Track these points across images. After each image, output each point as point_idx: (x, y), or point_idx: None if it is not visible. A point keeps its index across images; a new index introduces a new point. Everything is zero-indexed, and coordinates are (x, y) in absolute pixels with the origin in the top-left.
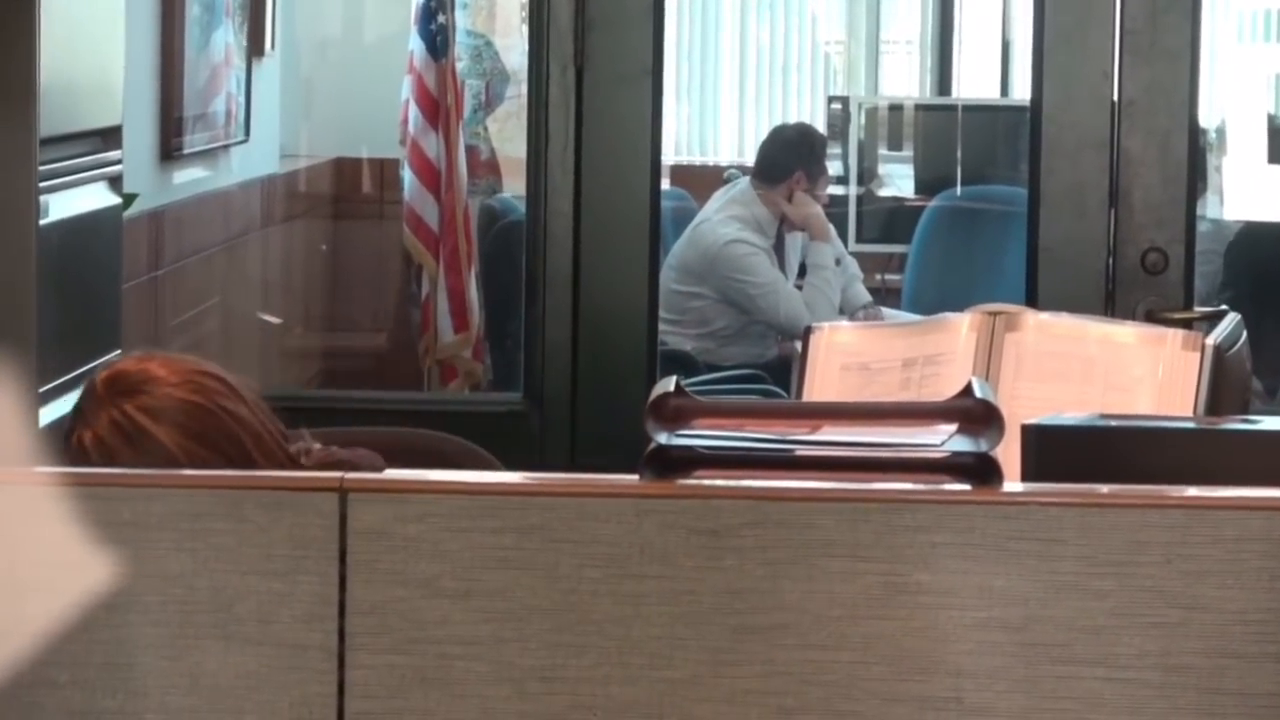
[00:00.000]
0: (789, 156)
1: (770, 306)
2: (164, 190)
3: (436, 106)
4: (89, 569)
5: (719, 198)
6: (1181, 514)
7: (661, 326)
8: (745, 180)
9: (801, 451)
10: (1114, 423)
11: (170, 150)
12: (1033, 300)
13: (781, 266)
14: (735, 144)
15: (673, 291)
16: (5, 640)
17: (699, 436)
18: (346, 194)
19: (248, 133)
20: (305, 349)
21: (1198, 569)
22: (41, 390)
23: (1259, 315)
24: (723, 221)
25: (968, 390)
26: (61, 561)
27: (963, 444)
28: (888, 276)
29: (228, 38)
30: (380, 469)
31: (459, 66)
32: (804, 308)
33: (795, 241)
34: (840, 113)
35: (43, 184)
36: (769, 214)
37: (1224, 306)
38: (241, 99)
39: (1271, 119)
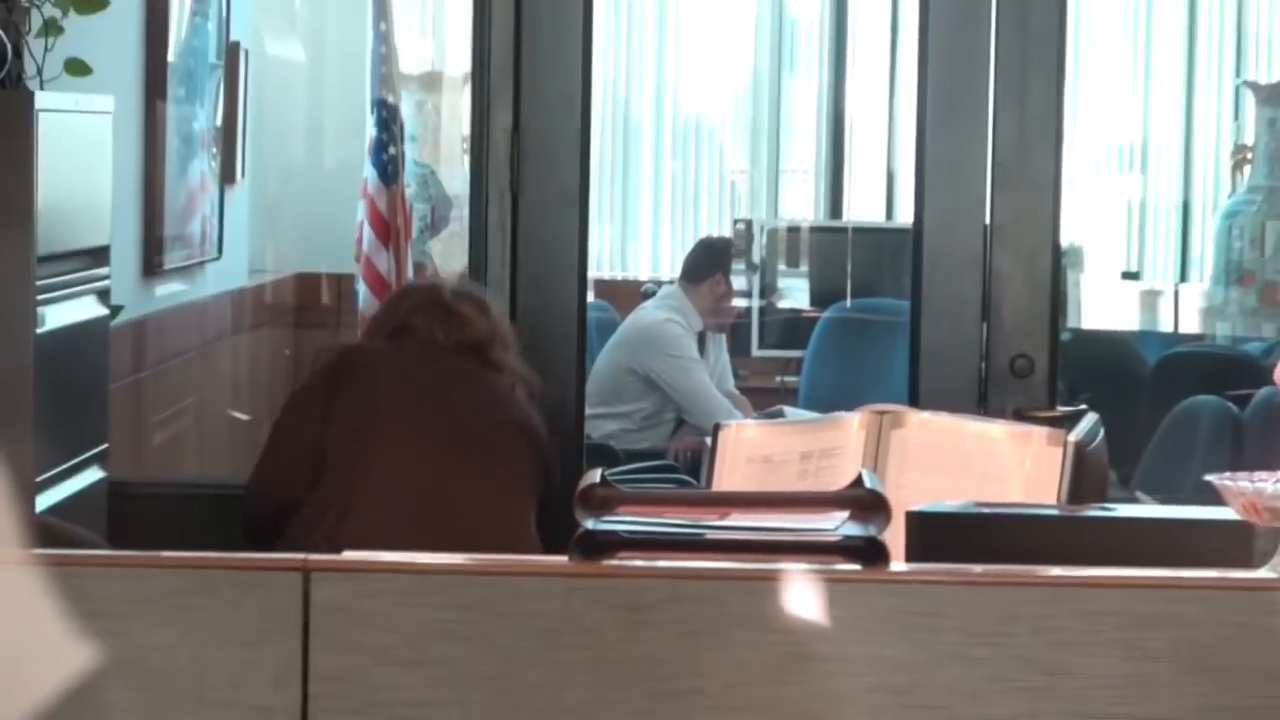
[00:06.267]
0: (712, 260)
1: (687, 381)
2: (147, 302)
3: (387, 227)
4: (78, 643)
5: (655, 299)
6: (1047, 591)
7: (588, 410)
8: (674, 284)
9: (712, 535)
10: (987, 510)
11: (152, 266)
12: (915, 400)
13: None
14: (652, 261)
15: (606, 367)
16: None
17: (622, 522)
18: (307, 305)
19: (220, 251)
20: None
21: (1062, 639)
22: (38, 480)
23: (1114, 412)
24: (659, 309)
25: (858, 481)
26: (53, 637)
27: (854, 529)
28: (786, 379)
29: (203, 167)
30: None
31: (408, 192)
32: (713, 392)
33: (718, 341)
34: (744, 233)
35: (40, 297)
36: (693, 307)
37: (1083, 406)
38: (215, 221)
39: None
